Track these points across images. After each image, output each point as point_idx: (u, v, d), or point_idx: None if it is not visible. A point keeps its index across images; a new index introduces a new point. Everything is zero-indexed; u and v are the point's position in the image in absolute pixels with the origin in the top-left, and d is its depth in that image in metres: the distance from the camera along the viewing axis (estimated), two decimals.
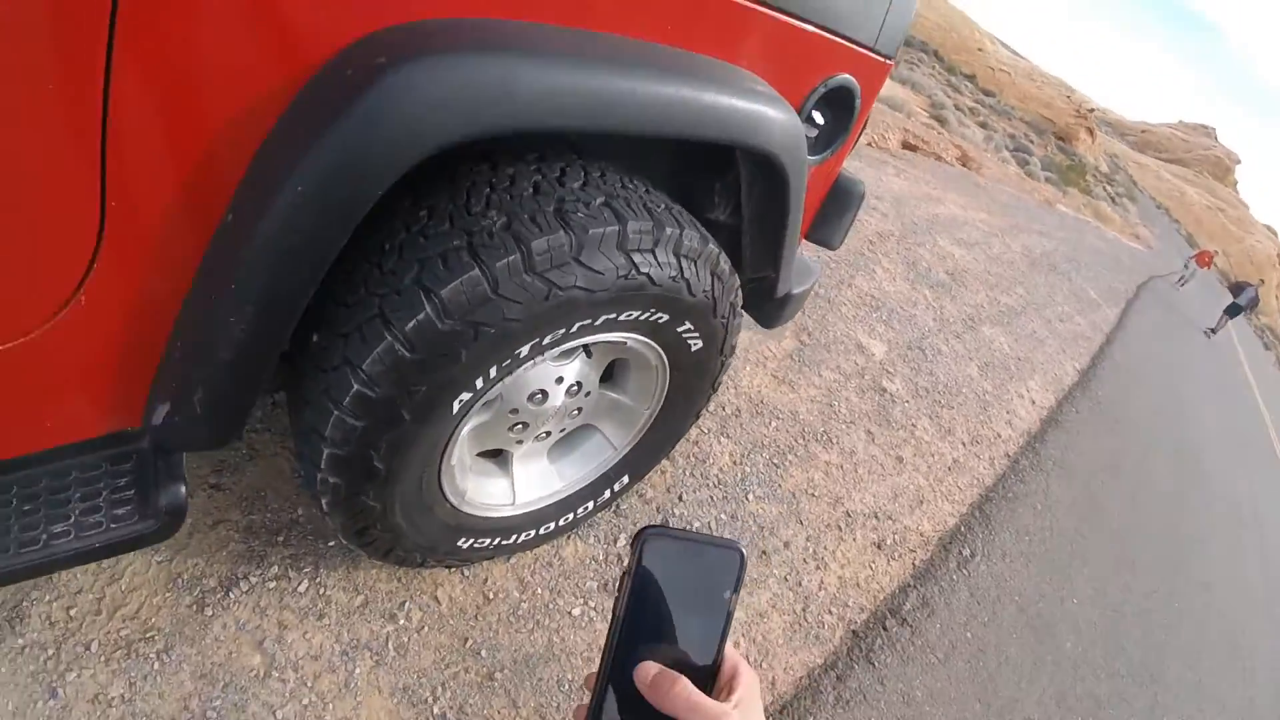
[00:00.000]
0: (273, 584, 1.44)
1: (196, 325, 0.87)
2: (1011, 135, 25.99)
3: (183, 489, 1.03)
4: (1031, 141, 27.63)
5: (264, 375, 0.95)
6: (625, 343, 1.24)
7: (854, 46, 1.46)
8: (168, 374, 0.93)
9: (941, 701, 2.00)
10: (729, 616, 0.46)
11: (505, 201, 0.96)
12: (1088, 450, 4.34)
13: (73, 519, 1.01)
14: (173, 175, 0.77)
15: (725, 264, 1.26)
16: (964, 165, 13.19)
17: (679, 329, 1.24)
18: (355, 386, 0.95)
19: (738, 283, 1.35)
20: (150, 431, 1.01)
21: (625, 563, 0.33)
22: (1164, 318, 12.28)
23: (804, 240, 1.87)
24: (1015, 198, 13.63)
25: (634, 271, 1.02)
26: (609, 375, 1.48)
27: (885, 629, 2.09)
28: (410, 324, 0.90)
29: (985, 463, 3.41)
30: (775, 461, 2.46)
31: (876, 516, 2.54)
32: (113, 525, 1.02)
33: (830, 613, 2.04)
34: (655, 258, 1.05)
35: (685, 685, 0.46)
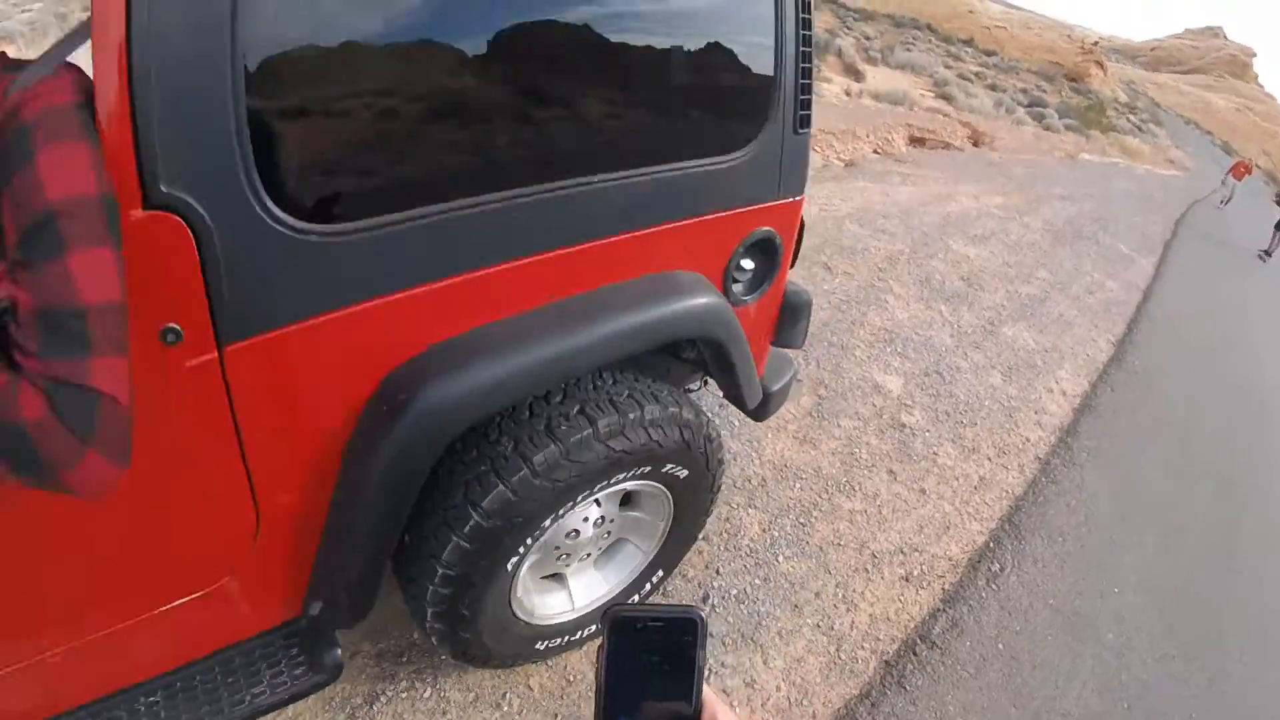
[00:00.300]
0: (404, 695, 1.89)
1: (331, 557, 1.35)
2: (1023, 90, 25.56)
3: (339, 651, 1.50)
4: (1044, 91, 27.08)
5: (382, 574, 1.41)
6: (625, 487, 1.66)
7: (761, 206, 1.82)
8: (316, 584, 1.41)
9: (974, 711, 2.24)
10: (699, 670, 0.51)
11: (511, 427, 1.42)
12: (1123, 430, 4.31)
13: (265, 682, 1.49)
14: (292, 479, 1.27)
15: (690, 413, 1.66)
16: (975, 145, 13.19)
17: (664, 470, 1.65)
18: (440, 570, 1.41)
19: (707, 420, 1.74)
20: (309, 619, 1.48)
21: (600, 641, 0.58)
22: (1208, 251, 11.52)
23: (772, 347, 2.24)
24: (1033, 164, 13.40)
25: (611, 453, 1.45)
26: (628, 499, 1.88)
27: (915, 654, 2.36)
28: (467, 527, 1.36)
29: (1014, 472, 3.53)
30: (802, 521, 2.77)
31: (903, 551, 2.78)
32: (294, 682, 1.49)
33: (863, 648, 2.34)
34: (626, 437, 1.48)
35: None
